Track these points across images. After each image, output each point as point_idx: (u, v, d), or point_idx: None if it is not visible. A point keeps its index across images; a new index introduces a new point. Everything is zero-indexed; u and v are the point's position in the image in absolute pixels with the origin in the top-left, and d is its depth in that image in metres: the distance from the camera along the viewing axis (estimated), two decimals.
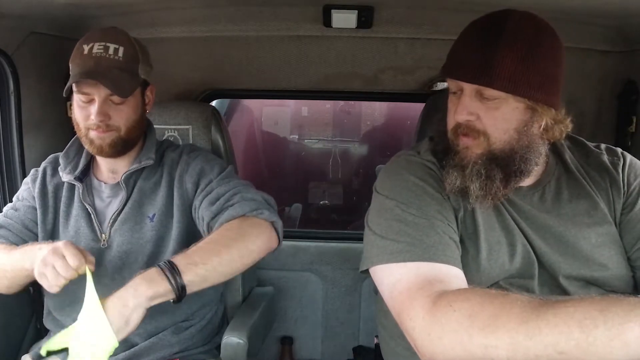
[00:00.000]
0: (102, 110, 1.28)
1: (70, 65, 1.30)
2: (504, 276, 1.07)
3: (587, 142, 1.21)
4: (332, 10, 1.60)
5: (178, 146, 1.50)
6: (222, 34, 1.78)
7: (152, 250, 1.34)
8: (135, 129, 1.36)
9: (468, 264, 1.05)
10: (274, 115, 3.72)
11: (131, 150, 1.39)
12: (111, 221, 1.37)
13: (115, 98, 1.29)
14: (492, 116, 1.02)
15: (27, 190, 1.43)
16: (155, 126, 1.63)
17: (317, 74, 1.89)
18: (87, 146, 1.34)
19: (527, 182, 1.12)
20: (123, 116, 1.32)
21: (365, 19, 1.64)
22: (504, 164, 1.04)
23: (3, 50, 1.52)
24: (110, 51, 1.28)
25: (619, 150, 1.19)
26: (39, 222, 1.40)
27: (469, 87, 1.02)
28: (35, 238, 1.40)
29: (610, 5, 1.41)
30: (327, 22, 1.66)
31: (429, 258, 0.98)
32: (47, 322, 1.43)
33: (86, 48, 1.28)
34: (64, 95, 1.30)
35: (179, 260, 1.12)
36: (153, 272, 1.10)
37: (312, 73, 1.89)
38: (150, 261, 1.32)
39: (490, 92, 1.00)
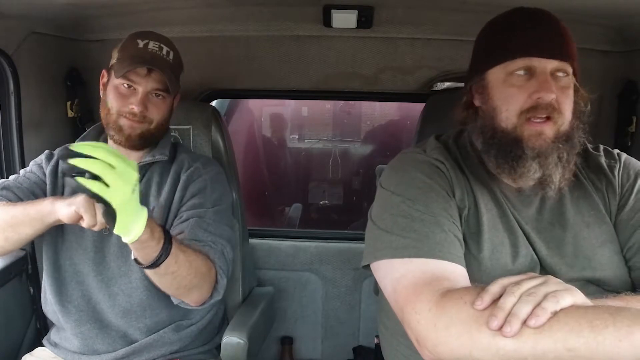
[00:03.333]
0: (143, 101, 1.34)
1: (117, 53, 1.36)
2: (505, 276, 1.07)
3: (587, 144, 1.21)
4: (332, 10, 1.60)
5: (194, 152, 1.55)
6: (222, 34, 1.78)
7: None
8: (163, 126, 1.42)
9: (469, 263, 1.04)
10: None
11: (148, 147, 1.42)
12: None
13: (157, 93, 1.36)
14: (566, 94, 1.04)
15: (38, 167, 1.44)
16: None
17: (317, 74, 1.89)
18: (113, 133, 1.36)
19: (529, 182, 1.12)
20: (159, 111, 1.38)
21: (365, 19, 1.64)
22: (571, 145, 1.06)
23: (3, 50, 1.52)
24: (164, 52, 1.36)
25: (616, 151, 1.19)
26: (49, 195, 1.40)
27: (549, 65, 1.03)
28: (30, 185, 1.40)
29: (610, 5, 1.41)
30: (327, 22, 1.66)
31: (435, 255, 0.98)
32: (45, 310, 1.44)
33: (141, 43, 1.34)
34: (117, 76, 1.32)
35: (175, 244, 1.17)
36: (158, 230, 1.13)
37: (312, 73, 1.89)
38: None
39: (566, 69, 1.03)
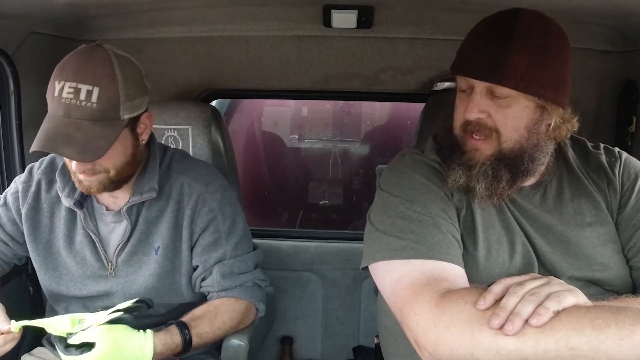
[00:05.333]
0: (81, 163, 1.17)
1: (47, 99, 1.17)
2: (504, 275, 1.07)
3: (588, 143, 1.21)
4: (332, 10, 1.60)
5: (190, 165, 1.38)
6: (222, 34, 1.78)
7: (154, 284, 1.32)
8: (127, 168, 1.24)
9: (467, 263, 1.05)
10: (274, 115, 3.71)
11: (129, 182, 1.29)
12: (117, 250, 1.32)
13: None
14: (503, 114, 1.02)
15: (15, 198, 1.35)
16: (155, 126, 1.61)
17: (317, 74, 1.89)
18: (76, 185, 1.24)
19: (529, 181, 1.12)
20: (109, 162, 1.19)
21: (365, 19, 1.64)
22: (512, 164, 1.05)
23: (3, 50, 1.52)
24: (82, 96, 1.11)
25: (617, 150, 1.19)
26: (28, 241, 1.34)
27: (480, 85, 1.02)
28: (10, 251, 1.38)
29: (610, 5, 1.41)
30: (327, 22, 1.66)
31: (433, 256, 0.98)
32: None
33: (57, 87, 1.13)
34: (29, 152, 1.16)
35: (193, 331, 1.22)
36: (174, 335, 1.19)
37: (312, 73, 1.89)
38: (152, 293, 1.31)
39: (501, 90, 1.00)
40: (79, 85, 1.11)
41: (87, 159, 1.14)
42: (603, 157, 1.17)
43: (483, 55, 1.00)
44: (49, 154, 1.42)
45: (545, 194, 1.13)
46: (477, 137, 1.05)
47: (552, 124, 1.05)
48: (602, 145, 1.21)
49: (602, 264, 1.07)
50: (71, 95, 1.11)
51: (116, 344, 1.07)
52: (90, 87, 1.11)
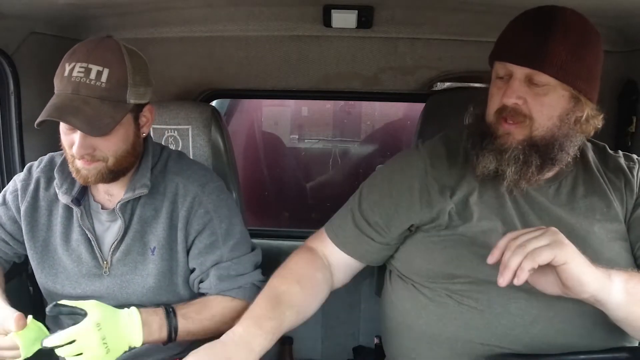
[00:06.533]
0: (84, 143, 1.17)
1: (54, 82, 1.20)
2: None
3: (608, 148, 1.25)
4: (332, 10, 1.60)
5: (186, 165, 1.38)
6: (222, 34, 1.78)
7: (151, 284, 1.31)
8: (126, 158, 1.24)
9: (463, 246, 1.10)
10: (274, 115, 3.72)
11: (125, 176, 1.29)
12: (112, 249, 1.31)
13: None
14: (539, 102, 1.06)
15: (14, 196, 1.35)
16: (155, 126, 1.61)
17: (317, 74, 1.89)
18: (73, 174, 1.24)
19: (548, 173, 1.15)
20: (110, 147, 1.20)
21: (365, 19, 1.64)
22: (543, 151, 1.08)
23: (3, 50, 1.52)
24: (92, 75, 1.14)
25: (635, 156, 1.24)
26: (26, 239, 1.34)
27: (520, 72, 1.05)
28: (11, 249, 1.38)
29: (610, 5, 1.41)
30: (327, 22, 1.66)
31: (338, 243, 1.28)
32: (48, 321, 1.43)
33: (67, 68, 1.16)
34: (35, 126, 1.16)
35: (181, 321, 1.23)
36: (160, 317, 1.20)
37: (312, 73, 1.89)
38: (149, 294, 1.31)
39: (540, 77, 1.04)
40: (90, 66, 1.15)
41: (94, 133, 1.15)
42: (622, 160, 1.21)
43: (525, 43, 1.04)
44: (48, 153, 1.43)
45: (560, 188, 1.16)
46: (510, 122, 1.08)
47: (583, 116, 1.09)
48: (620, 151, 1.25)
49: (608, 259, 1.08)
50: (81, 74, 1.15)
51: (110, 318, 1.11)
52: (100, 68, 1.15)
